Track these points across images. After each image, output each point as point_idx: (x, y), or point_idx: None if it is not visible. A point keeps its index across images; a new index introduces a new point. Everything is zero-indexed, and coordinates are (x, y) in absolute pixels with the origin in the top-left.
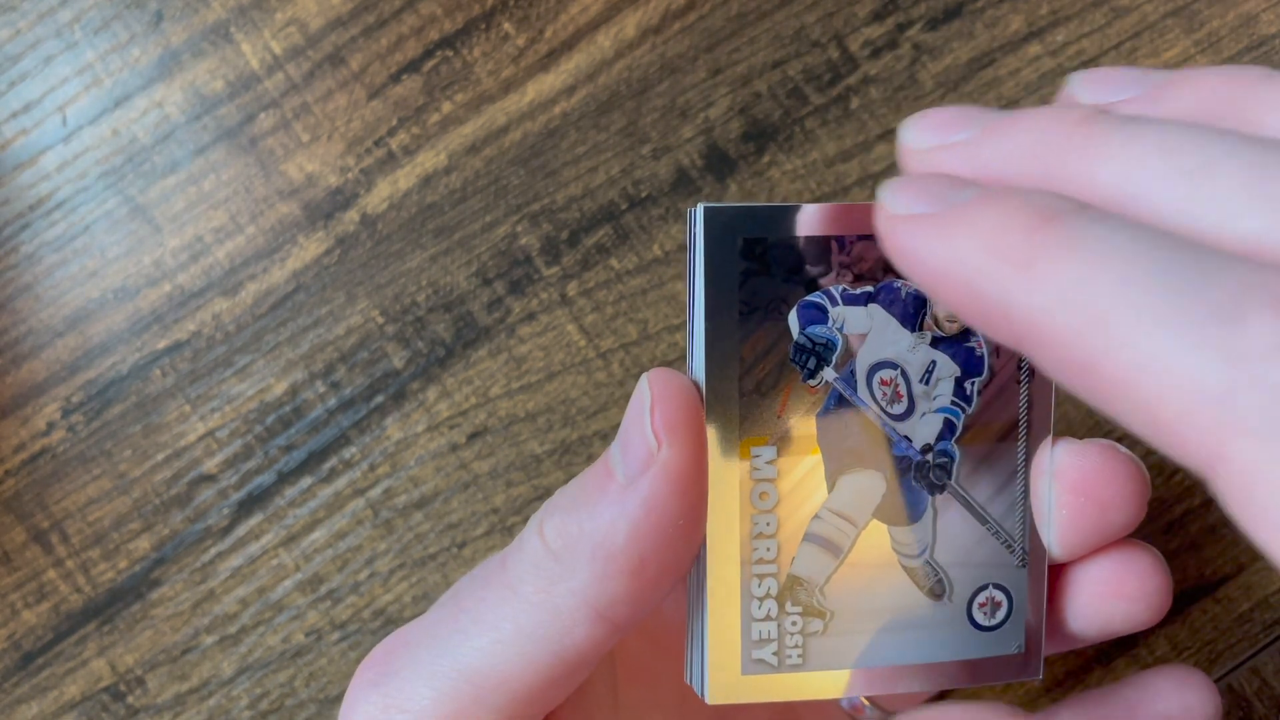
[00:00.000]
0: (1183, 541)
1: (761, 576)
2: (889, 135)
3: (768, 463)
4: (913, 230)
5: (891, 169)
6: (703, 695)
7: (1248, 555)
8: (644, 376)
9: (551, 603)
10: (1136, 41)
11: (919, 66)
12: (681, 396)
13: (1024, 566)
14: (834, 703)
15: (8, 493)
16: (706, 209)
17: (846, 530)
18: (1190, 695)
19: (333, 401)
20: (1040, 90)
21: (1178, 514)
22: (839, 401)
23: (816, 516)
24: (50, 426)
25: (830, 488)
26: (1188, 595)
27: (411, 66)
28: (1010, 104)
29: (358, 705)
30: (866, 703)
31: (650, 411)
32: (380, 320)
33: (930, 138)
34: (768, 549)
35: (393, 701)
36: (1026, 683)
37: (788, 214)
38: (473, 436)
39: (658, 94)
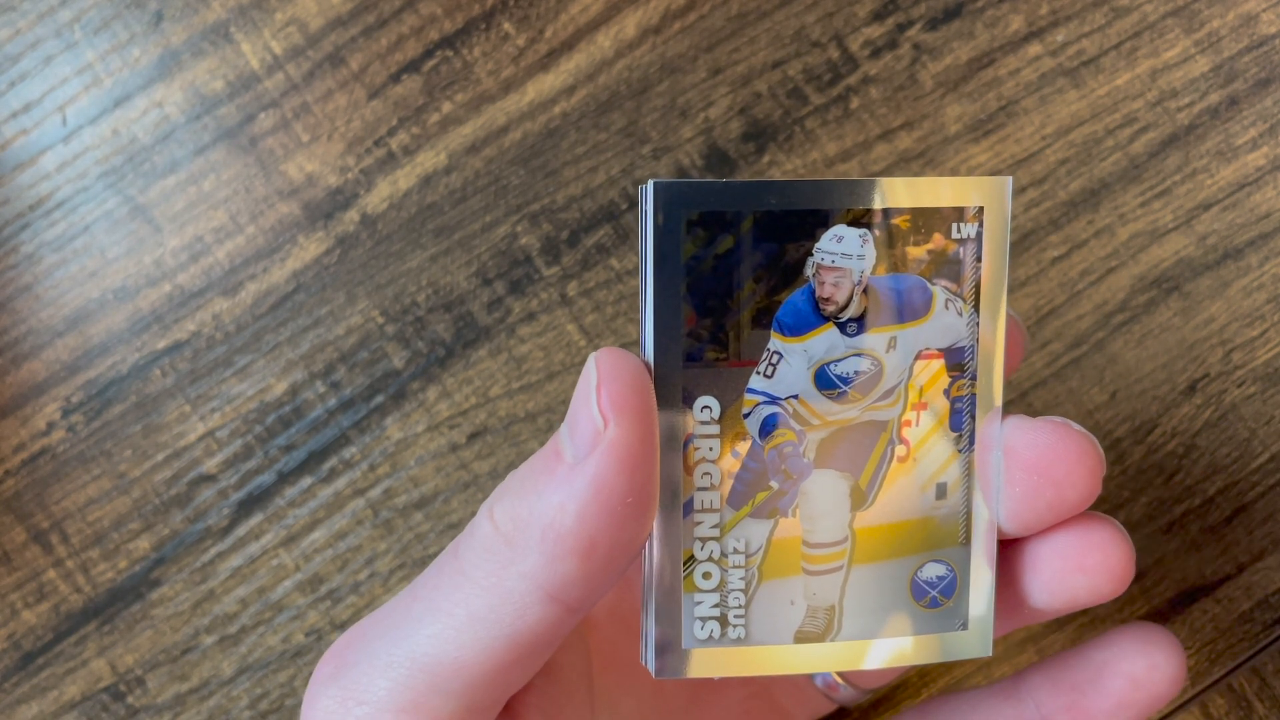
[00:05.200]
0: (1183, 541)
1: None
2: (889, 135)
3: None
4: None
5: (891, 169)
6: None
7: (1248, 555)
8: (591, 356)
9: (503, 586)
10: (1137, 41)
11: (919, 66)
12: (629, 375)
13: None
14: (809, 682)
15: (8, 493)
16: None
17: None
18: (1156, 654)
19: (333, 401)
20: (1040, 90)
21: (1178, 514)
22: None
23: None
24: (50, 426)
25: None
26: (1188, 595)
27: (411, 66)
28: (1011, 104)
29: (317, 700)
30: (840, 680)
31: (596, 391)
32: (380, 320)
33: None
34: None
35: (350, 694)
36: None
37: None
38: (473, 436)
39: (658, 94)
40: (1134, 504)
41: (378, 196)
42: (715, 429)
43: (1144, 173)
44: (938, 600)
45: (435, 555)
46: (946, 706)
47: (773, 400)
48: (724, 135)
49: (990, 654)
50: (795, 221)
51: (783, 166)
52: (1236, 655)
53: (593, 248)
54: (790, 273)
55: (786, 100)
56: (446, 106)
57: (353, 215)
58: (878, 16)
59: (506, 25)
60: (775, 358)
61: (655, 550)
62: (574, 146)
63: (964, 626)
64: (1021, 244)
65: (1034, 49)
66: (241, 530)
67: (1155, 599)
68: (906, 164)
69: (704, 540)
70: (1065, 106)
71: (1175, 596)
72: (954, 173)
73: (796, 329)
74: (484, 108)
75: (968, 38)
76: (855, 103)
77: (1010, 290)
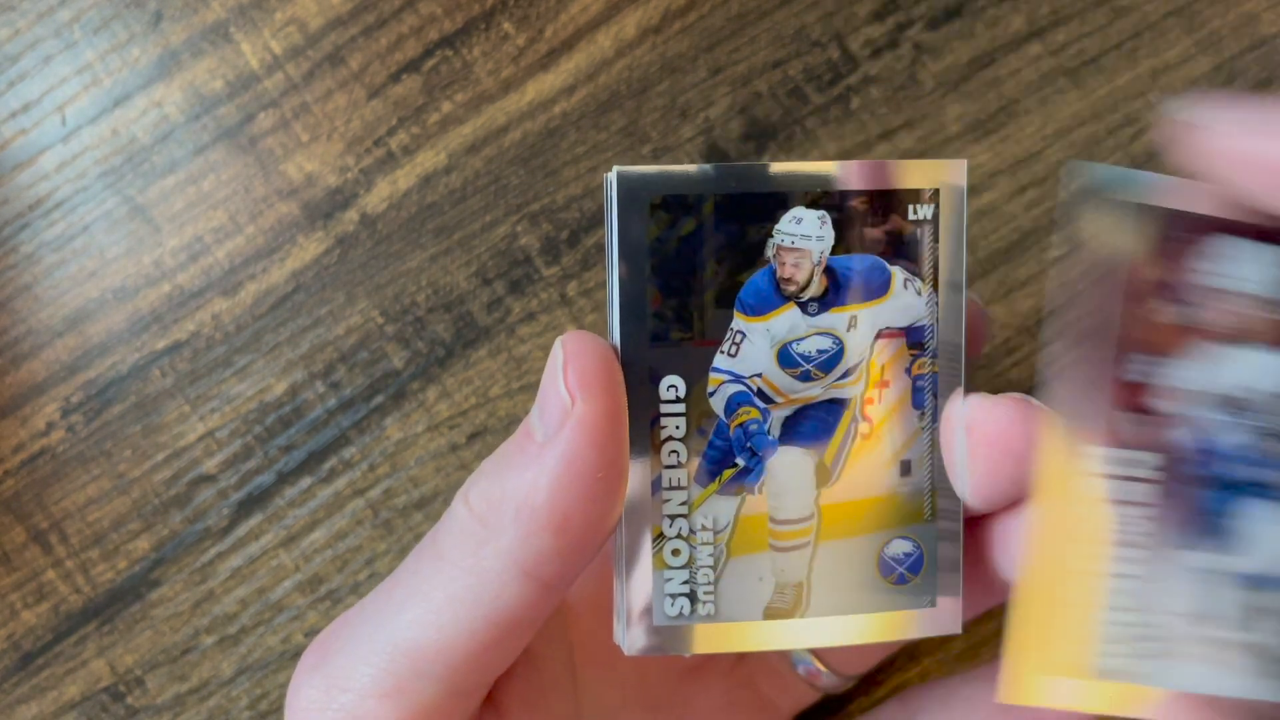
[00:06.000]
0: None
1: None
2: (889, 135)
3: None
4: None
5: None
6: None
7: None
8: (558, 339)
9: (480, 566)
10: (1137, 41)
11: (919, 66)
12: (594, 354)
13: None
14: (792, 671)
15: (7, 493)
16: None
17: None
18: None
19: (333, 402)
20: (1041, 90)
21: None
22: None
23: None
24: (50, 426)
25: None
26: None
27: (411, 66)
28: (1011, 103)
29: (301, 690)
30: (822, 668)
31: (563, 370)
32: (380, 320)
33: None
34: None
35: (334, 682)
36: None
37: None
38: (473, 437)
39: (658, 94)
40: None
41: (377, 196)
42: (681, 407)
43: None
44: (905, 577)
45: None
46: (931, 693)
47: (737, 379)
48: (724, 135)
49: (960, 631)
50: (755, 204)
51: None
52: None
53: (593, 248)
54: (751, 253)
55: (787, 100)
56: (446, 106)
57: (352, 215)
58: (878, 16)
59: (506, 25)
60: (739, 337)
61: (625, 528)
62: (574, 146)
63: (932, 603)
64: (1021, 244)
65: (1034, 49)
66: (241, 530)
67: None
68: None
69: (672, 517)
70: (1066, 106)
71: None
72: None
73: (758, 309)
74: (484, 107)
75: (968, 37)
76: (855, 102)
77: (1010, 290)
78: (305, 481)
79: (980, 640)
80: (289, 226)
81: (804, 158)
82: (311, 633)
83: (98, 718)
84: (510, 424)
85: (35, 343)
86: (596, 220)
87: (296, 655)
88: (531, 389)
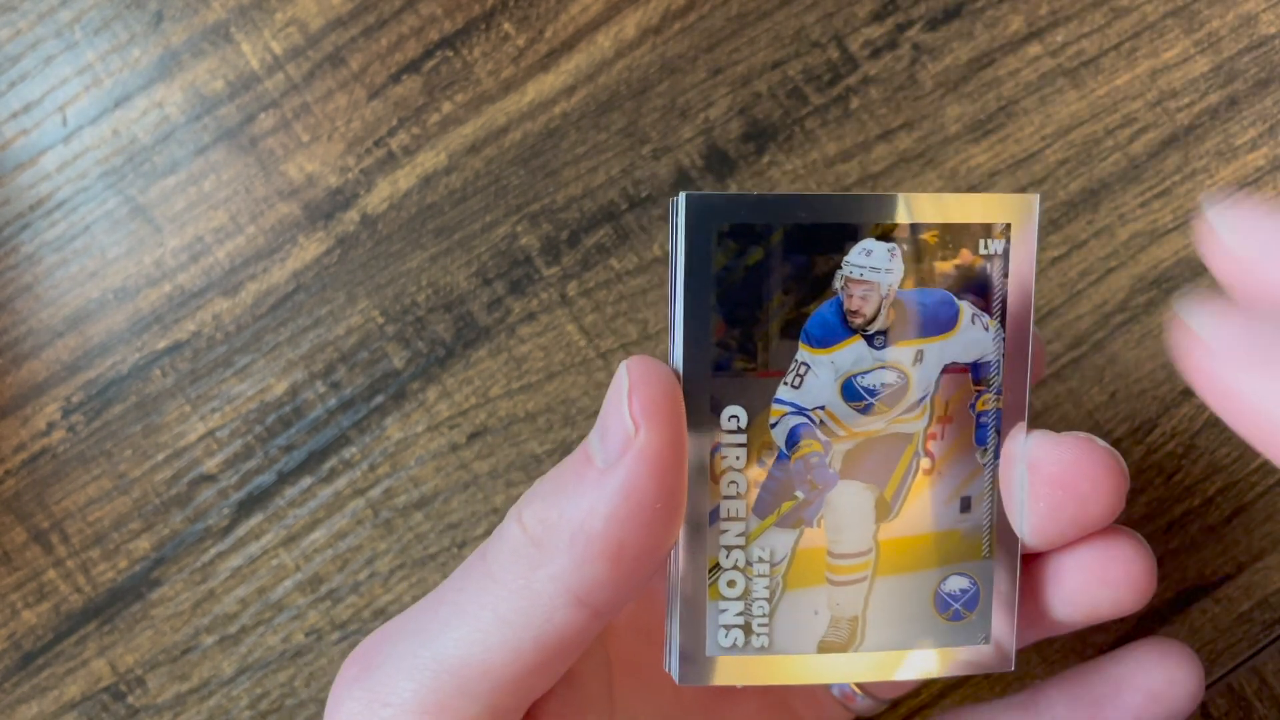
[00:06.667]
0: (1183, 541)
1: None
2: (889, 136)
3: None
4: (1236, 369)
5: (891, 169)
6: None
7: (1248, 555)
8: (623, 363)
9: (531, 589)
10: (1136, 42)
11: (919, 66)
12: (660, 382)
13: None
14: (826, 691)
15: (8, 493)
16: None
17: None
18: (1174, 669)
19: (333, 401)
20: (1040, 90)
21: (1178, 514)
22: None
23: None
24: (50, 426)
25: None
26: (1188, 595)
27: (411, 66)
28: (1010, 104)
29: (342, 702)
30: (857, 690)
31: (628, 396)
32: (380, 320)
33: (1253, 244)
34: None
35: (376, 696)
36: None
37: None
38: (473, 436)
39: (658, 94)
40: (1134, 504)
41: (378, 196)
42: (742, 438)
43: (1144, 173)
44: (960, 613)
45: (435, 555)
46: (961, 719)
47: (800, 411)
48: (724, 135)
49: (1012, 668)
50: (824, 235)
51: (783, 167)
52: (1236, 655)
53: (593, 248)
54: (819, 285)
55: (786, 100)
56: (446, 106)
57: (353, 215)
58: (878, 16)
59: (506, 25)
60: (803, 369)
61: (680, 557)
62: (574, 146)
63: (986, 640)
64: None
65: (1034, 49)
66: (241, 530)
67: (1155, 599)
68: (906, 164)
69: (729, 548)
70: (1065, 107)
71: (1175, 596)
72: (953, 173)
73: (824, 341)
74: (484, 108)
75: (967, 38)
76: (855, 103)
77: None
78: (305, 481)
79: None
80: (289, 226)
81: (804, 159)
82: (312, 632)
83: (98, 717)
84: (510, 424)
85: (36, 343)
86: (596, 220)
87: (297, 655)
88: (531, 389)
